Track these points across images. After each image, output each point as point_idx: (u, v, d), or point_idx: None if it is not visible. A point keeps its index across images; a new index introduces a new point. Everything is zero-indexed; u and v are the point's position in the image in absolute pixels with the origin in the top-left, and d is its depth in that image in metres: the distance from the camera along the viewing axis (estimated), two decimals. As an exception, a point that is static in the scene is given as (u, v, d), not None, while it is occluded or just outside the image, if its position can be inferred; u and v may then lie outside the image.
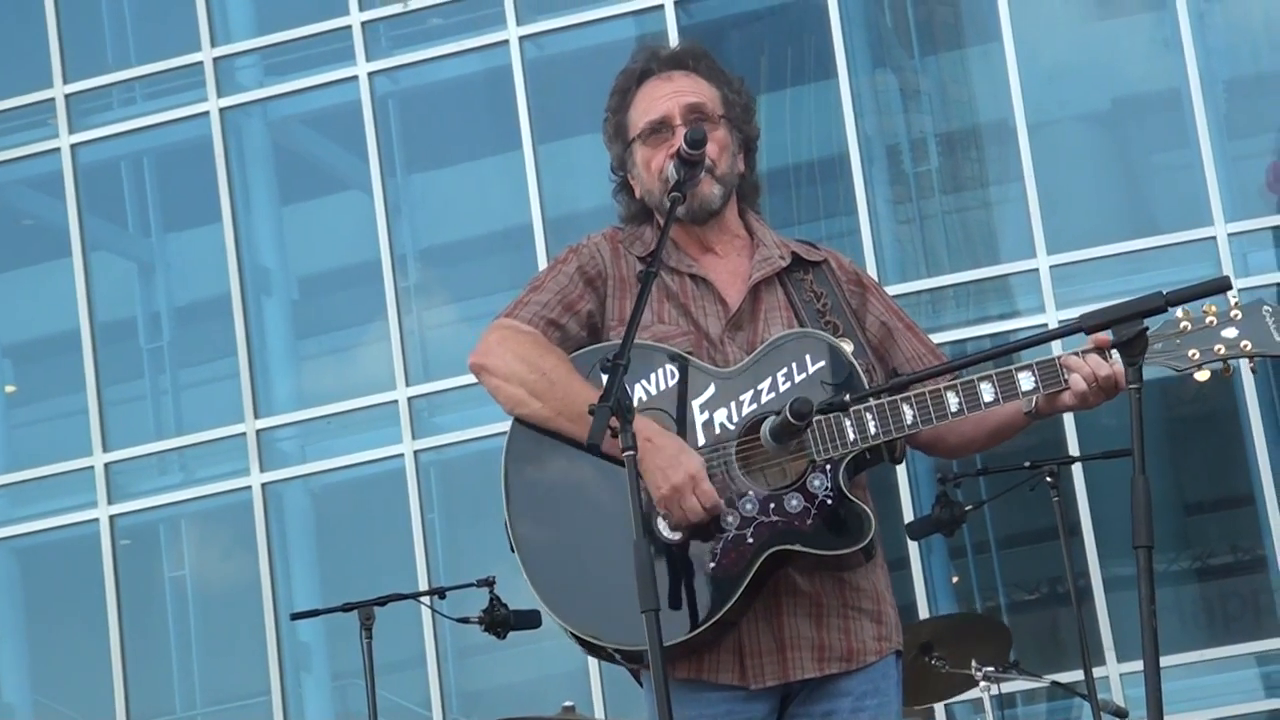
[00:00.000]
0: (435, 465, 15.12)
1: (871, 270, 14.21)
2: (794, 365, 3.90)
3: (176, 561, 16.36)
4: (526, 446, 3.93)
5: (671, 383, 3.89)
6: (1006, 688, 7.38)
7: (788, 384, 3.88)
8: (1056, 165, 14.58)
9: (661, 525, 3.81)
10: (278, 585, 15.11)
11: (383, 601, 7.44)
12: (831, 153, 14.85)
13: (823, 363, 3.89)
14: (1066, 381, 3.84)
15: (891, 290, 14.17)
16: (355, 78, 15.57)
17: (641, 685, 3.95)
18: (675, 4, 14.97)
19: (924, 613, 13.63)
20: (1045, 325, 13.95)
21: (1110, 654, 13.31)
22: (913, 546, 13.61)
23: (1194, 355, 3.78)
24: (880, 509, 3.88)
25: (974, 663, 7.01)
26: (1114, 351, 3.72)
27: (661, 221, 3.92)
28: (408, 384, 15.01)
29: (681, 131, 3.95)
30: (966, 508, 6.96)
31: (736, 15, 15.61)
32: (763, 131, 4.18)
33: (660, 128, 4.04)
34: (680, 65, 4.10)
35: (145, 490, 15.82)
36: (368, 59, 15.58)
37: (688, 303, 4.01)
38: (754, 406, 3.87)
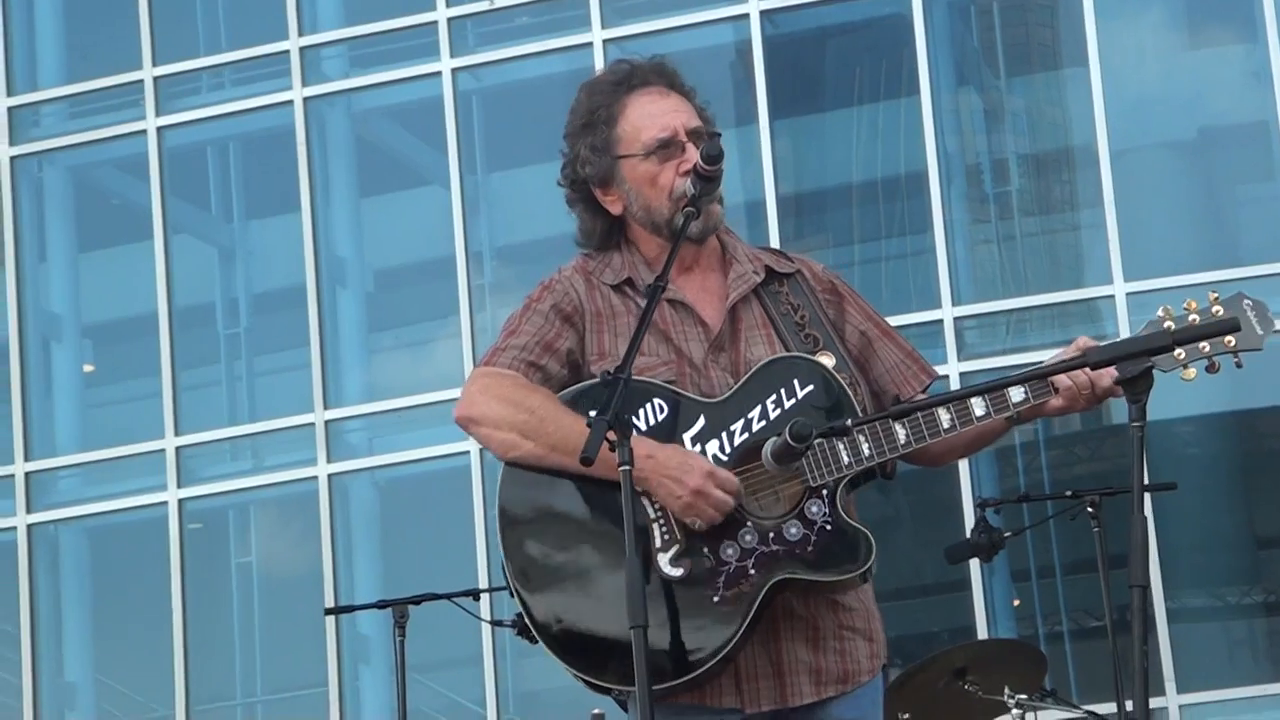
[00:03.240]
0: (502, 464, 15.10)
1: (945, 288, 14.13)
2: (783, 391, 3.84)
3: (243, 548, 16.45)
4: (519, 492, 3.85)
5: (661, 417, 3.82)
6: (1040, 716, 7.29)
7: (778, 410, 3.81)
8: (1139, 192, 14.45)
9: (663, 561, 3.75)
10: (340, 576, 15.15)
11: (417, 600, 7.46)
12: (913, 169, 14.77)
13: (811, 386, 3.84)
14: (1056, 387, 3.81)
15: (967, 310, 14.16)
16: (439, 73, 15.60)
17: (627, 711, 3.88)
18: (761, 14, 14.92)
19: (983, 635, 13.54)
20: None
21: (1170, 685, 13.17)
22: (975, 569, 13.51)
23: (1180, 355, 3.75)
24: (944, 530, 3.85)
25: (1006, 689, 6.93)
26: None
27: (669, 240, 3.88)
28: (478, 381, 14.97)
29: (691, 148, 3.90)
30: (1005, 534, 6.90)
31: (822, 28, 15.53)
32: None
33: (669, 144, 3.96)
34: (670, 83, 4.02)
35: (215, 475, 15.91)
36: (452, 55, 15.60)
37: (668, 329, 3.94)
38: (745, 436, 3.81)
